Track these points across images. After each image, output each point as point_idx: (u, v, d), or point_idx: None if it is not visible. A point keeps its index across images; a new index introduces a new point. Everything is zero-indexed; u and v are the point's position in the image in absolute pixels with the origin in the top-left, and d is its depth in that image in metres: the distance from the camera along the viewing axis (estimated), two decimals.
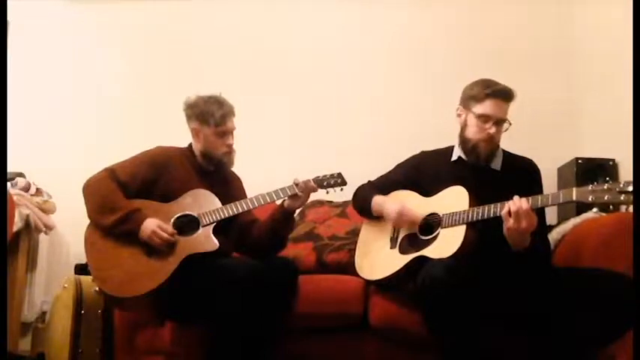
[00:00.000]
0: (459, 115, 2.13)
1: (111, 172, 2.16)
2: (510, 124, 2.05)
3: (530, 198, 1.79)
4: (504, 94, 2.03)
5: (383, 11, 3.34)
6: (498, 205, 1.84)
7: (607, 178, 1.67)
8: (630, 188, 1.58)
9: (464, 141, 2.10)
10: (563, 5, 3.24)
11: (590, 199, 1.65)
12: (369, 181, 2.33)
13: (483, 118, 2.03)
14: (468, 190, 1.97)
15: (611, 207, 1.68)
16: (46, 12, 3.42)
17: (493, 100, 2.02)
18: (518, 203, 1.79)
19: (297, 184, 2.16)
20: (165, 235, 2.04)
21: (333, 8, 3.36)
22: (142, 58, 3.39)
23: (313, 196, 2.64)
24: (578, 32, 3.16)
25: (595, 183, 1.67)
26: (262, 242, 2.23)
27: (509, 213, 1.80)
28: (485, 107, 2.03)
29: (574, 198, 1.68)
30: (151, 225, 2.05)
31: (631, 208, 1.63)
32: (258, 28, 3.36)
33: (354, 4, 3.36)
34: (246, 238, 2.27)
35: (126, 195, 2.13)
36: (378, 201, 2.18)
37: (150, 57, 3.38)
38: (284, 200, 2.20)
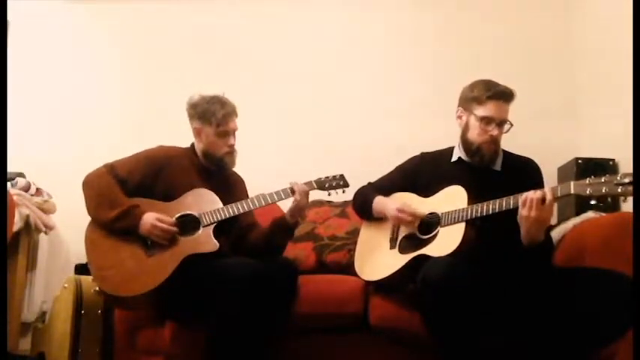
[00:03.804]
0: (459, 117, 2.13)
1: (110, 168, 2.17)
2: (512, 124, 2.05)
3: (545, 189, 1.78)
4: (505, 95, 2.03)
5: (383, 12, 3.34)
6: (511, 197, 1.83)
7: (606, 174, 1.68)
8: (627, 180, 1.58)
9: (466, 143, 2.10)
10: (563, 5, 3.25)
11: (587, 191, 1.65)
12: (369, 183, 2.34)
13: (486, 120, 2.03)
14: (468, 190, 1.97)
15: (609, 199, 1.68)
16: (46, 12, 3.42)
17: (495, 101, 2.01)
18: (539, 193, 1.77)
19: (292, 190, 2.16)
20: (165, 226, 2.04)
21: (333, 9, 3.36)
22: (142, 57, 3.39)
23: (314, 196, 2.66)
24: (578, 32, 3.16)
25: (592, 176, 1.67)
26: (258, 249, 2.23)
27: (524, 201, 1.78)
28: (488, 109, 2.02)
29: (572, 191, 1.69)
30: (149, 219, 2.05)
31: (629, 201, 1.62)
32: (260, 29, 3.36)
33: (354, 5, 3.36)
34: (244, 241, 2.27)
35: (125, 192, 2.13)
36: (379, 201, 2.18)
37: (150, 57, 3.38)
38: (285, 214, 2.21)
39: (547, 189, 1.79)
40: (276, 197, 2.17)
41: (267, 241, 2.24)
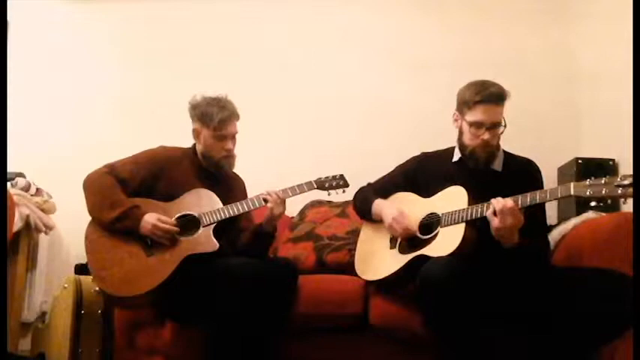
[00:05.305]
0: (455, 120, 2.12)
1: (111, 169, 2.17)
2: (505, 126, 2.03)
3: (519, 196, 1.80)
4: (495, 98, 1.99)
5: (384, 13, 3.34)
6: (485, 204, 1.85)
7: (606, 175, 1.69)
8: (627, 182, 1.58)
9: (462, 146, 2.10)
10: (563, 5, 3.25)
11: (587, 193, 1.65)
12: (369, 184, 2.33)
13: (476, 125, 2.01)
14: (469, 191, 1.97)
15: (609, 201, 1.68)
16: (46, 12, 3.42)
17: (484, 105, 1.98)
18: (502, 202, 1.80)
19: (266, 199, 2.17)
20: (166, 226, 2.04)
21: (334, 11, 3.37)
22: (142, 57, 3.39)
23: (314, 196, 2.66)
24: (578, 32, 3.16)
25: (592, 178, 1.67)
26: (246, 251, 2.24)
27: (494, 212, 1.80)
28: (477, 114, 2.00)
29: (572, 192, 1.68)
30: (150, 219, 2.05)
31: (629, 202, 1.62)
32: (260, 29, 3.37)
33: (355, 7, 3.36)
34: (236, 244, 2.28)
35: (125, 192, 2.13)
36: (378, 205, 2.18)
37: (150, 57, 3.38)
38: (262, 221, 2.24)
39: (511, 199, 1.80)
40: (290, 193, 2.20)
41: (250, 245, 2.26)
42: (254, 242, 2.28)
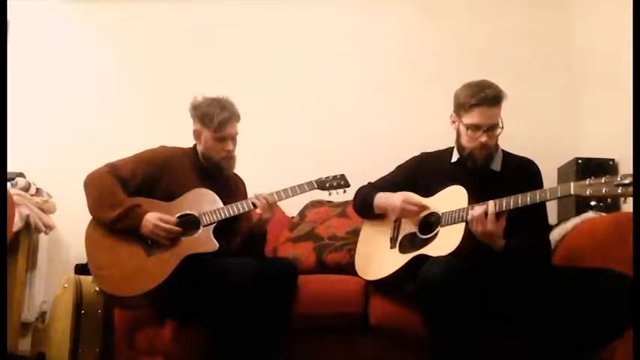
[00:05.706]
0: (453, 122, 2.12)
1: (112, 168, 2.16)
2: (502, 127, 2.02)
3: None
4: (491, 100, 1.98)
5: (383, 14, 3.34)
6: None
7: (606, 175, 1.69)
8: (627, 181, 1.58)
9: (460, 148, 2.10)
10: (563, 5, 3.25)
11: (588, 192, 1.65)
12: (370, 183, 2.33)
13: (473, 127, 2.01)
14: (467, 191, 1.96)
15: (609, 201, 1.68)
16: (46, 11, 3.42)
17: (480, 108, 1.98)
18: (476, 210, 1.83)
19: (253, 203, 2.17)
20: (167, 226, 2.04)
21: (333, 11, 3.37)
22: (142, 57, 3.39)
23: (314, 196, 2.66)
24: (579, 32, 3.16)
25: (593, 177, 1.67)
26: (240, 251, 2.25)
27: (471, 219, 1.84)
28: (473, 117, 1.99)
29: (572, 192, 1.68)
30: (151, 219, 2.05)
31: (629, 201, 1.62)
32: (260, 30, 3.36)
33: (354, 7, 3.36)
34: (232, 244, 2.28)
35: (126, 191, 2.13)
36: (382, 196, 2.18)
37: (150, 57, 3.38)
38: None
39: (491, 202, 1.82)
40: (276, 197, 2.18)
41: (243, 247, 2.27)
42: (246, 244, 2.28)
